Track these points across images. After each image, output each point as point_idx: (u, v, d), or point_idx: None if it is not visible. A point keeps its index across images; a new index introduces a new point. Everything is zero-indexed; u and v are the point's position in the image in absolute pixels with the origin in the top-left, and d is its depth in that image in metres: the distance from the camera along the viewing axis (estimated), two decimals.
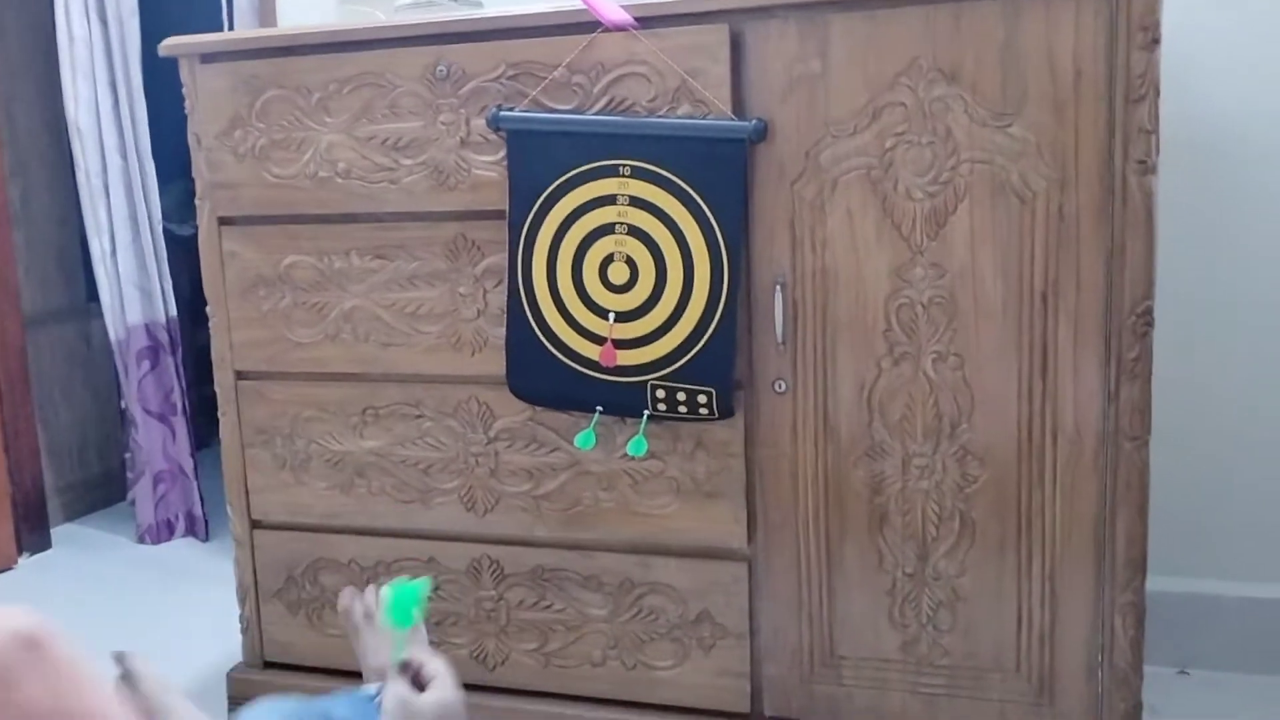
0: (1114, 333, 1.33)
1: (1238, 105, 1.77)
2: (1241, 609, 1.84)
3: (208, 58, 1.63)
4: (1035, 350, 1.36)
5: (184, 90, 1.66)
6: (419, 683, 1.07)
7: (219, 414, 1.73)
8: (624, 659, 1.59)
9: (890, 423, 1.42)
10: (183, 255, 2.93)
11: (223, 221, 1.67)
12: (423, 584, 1.18)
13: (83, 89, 2.58)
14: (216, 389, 1.72)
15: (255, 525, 1.75)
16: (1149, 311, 1.31)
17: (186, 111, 1.66)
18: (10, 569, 2.67)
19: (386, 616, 1.18)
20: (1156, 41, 1.26)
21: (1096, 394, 1.35)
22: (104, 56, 2.59)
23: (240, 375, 1.70)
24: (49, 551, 2.78)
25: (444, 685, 1.06)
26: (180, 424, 2.78)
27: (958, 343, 1.38)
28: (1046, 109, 1.31)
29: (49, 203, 3.00)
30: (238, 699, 1.79)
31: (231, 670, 1.81)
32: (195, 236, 3.24)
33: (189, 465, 2.78)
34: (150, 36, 2.61)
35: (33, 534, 2.76)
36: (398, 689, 1.05)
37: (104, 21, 2.58)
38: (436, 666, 1.09)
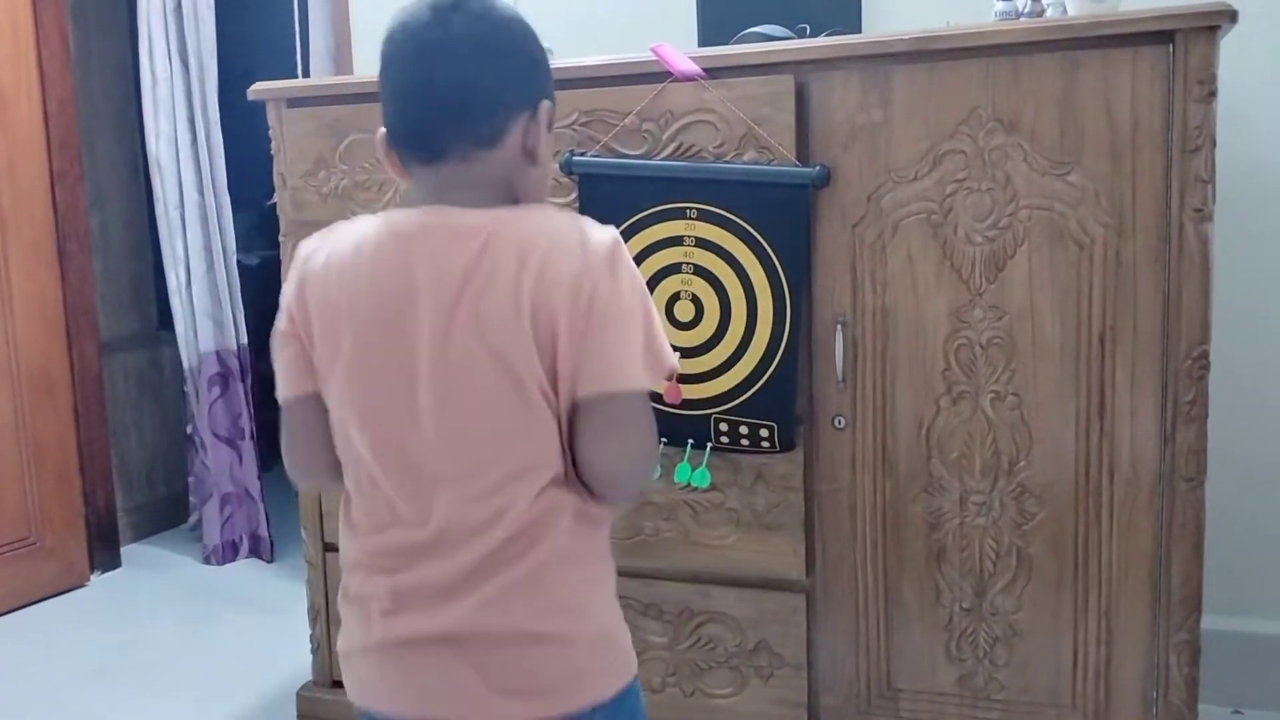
0: (1170, 376, 1.36)
1: None
2: None
3: (294, 102, 1.72)
4: (1093, 392, 1.39)
5: (270, 132, 1.74)
6: None
7: None
8: (683, 686, 1.63)
9: (948, 460, 1.46)
10: (247, 283, 3.02)
11: None
12: None
13: (164, 126, 2.69)
14: None
15: (328, 548, 1.81)
16: (1205, 355, 1.35)
17: (272, 153, 1.75)
18: (83, 586, 2.76)
19: None
20: (1213, 94, 1.30)
21: (1153, 435, 1.38)
22: (184, 95, 2.71)
23: None
24: (119, 570, 2.88)
25: None
26: (247, 448, 2.87)
27: (1016, 383, 1.42)
28: (1104, 158, 1.35)
29: (125, 234, 3.12)
30: (306, 717, 1.85)
31: (301, 689, 1.88)
32: (260, 265, 3.33)
33: (255, 488, 2.87)
34: (226, 76, 2.73)
35: (104, 553, 2.86)
36: None
37: (185, 62, 2.70)
38: None
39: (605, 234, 0.97)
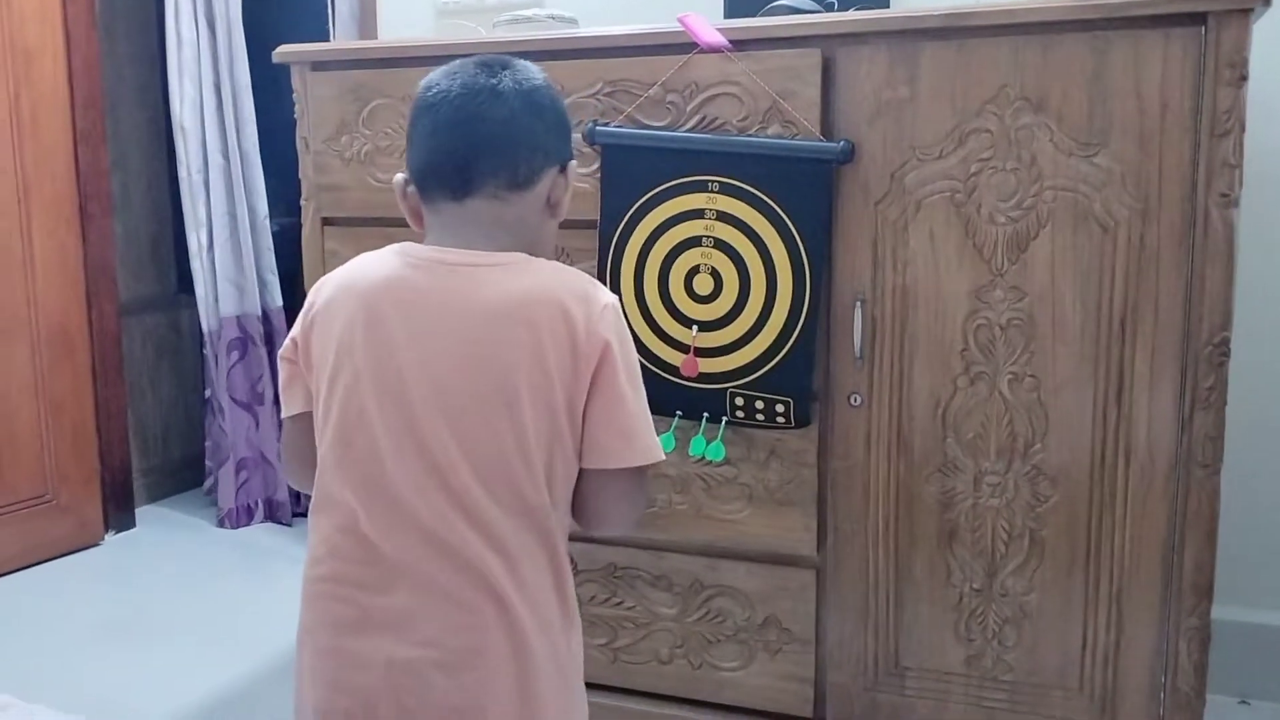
0: (1190, 361, 1.35)
1: None
2: None
3: (318, 66, 1.72)
4: (1111, 376, 1.39)
5: (294, 95, 1.75)
6: None
7: None
8: (690, 658, 1.64)
9: (964, 440, 1.46)
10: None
11: (326, 222, 1.75)
12: None
13: (189, 90, 2.70)
14: None
15: None
16: (1226, 342, 1.34)
17: (295, 116, 1.75)
18: (98, 545, 2.79)
19: None
20: (1244, 78, 1.28)
21: (1170, 421, 1.37)
22: (210, 59, 2.71)
23: None
24: (134, 530, 2.91)
25: None
26: (264, 413, 2.88)
27: (1034, 365, 1.42)
28: (1132, 140, 1.34)
29: (146, 196, 3.14)
30: None
31: None
32: (280, 232, 3.34)
33: (272, 453, 2.89)
34: (253, 42, 2.73)
35: (119, 513, 2.88)
36: None
37: (211, 26, 2.70)
38: None
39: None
